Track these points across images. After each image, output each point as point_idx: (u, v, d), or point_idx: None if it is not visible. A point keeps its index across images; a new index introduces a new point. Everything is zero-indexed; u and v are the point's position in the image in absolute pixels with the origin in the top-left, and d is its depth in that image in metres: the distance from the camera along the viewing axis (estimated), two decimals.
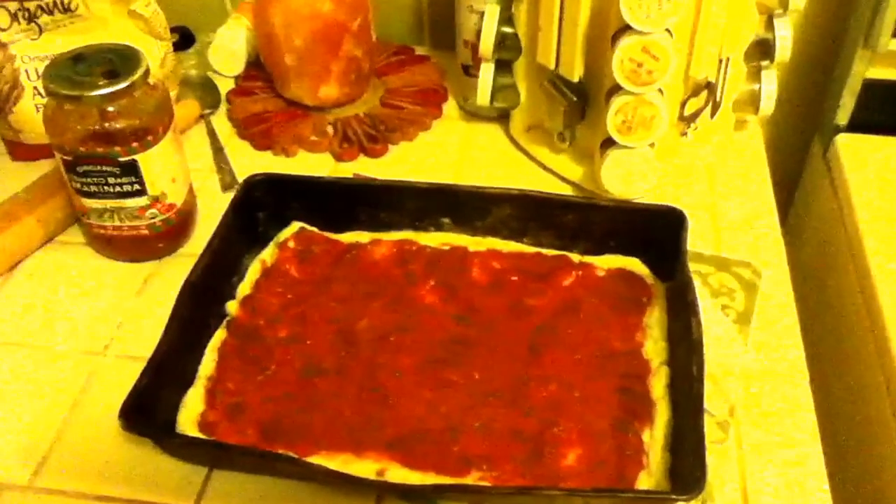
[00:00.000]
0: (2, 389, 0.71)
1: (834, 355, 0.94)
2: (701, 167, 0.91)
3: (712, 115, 0.88)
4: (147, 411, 0.62)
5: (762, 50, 0.87)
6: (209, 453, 0.64)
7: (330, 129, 0.96)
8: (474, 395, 0.67)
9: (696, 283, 0.70)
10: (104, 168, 0.75)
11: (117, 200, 0.77)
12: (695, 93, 0.84)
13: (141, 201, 0.77)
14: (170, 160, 0.78)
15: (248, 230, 0.79)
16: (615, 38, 0.76)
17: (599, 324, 0.72)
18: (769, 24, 0.86)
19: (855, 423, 0.88)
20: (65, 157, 0.75)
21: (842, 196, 0.96)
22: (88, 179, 0.76)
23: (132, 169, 0.75)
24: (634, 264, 0.77)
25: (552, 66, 0.84)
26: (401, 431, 0.64)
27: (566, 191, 0.88)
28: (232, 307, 0.73)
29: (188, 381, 0.68)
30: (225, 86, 1.04)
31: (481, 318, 0.73)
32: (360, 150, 0.94)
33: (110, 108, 0.73)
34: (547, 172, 0.91)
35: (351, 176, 0.90)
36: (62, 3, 0.87)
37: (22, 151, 0.93)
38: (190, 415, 0.65)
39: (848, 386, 0.90)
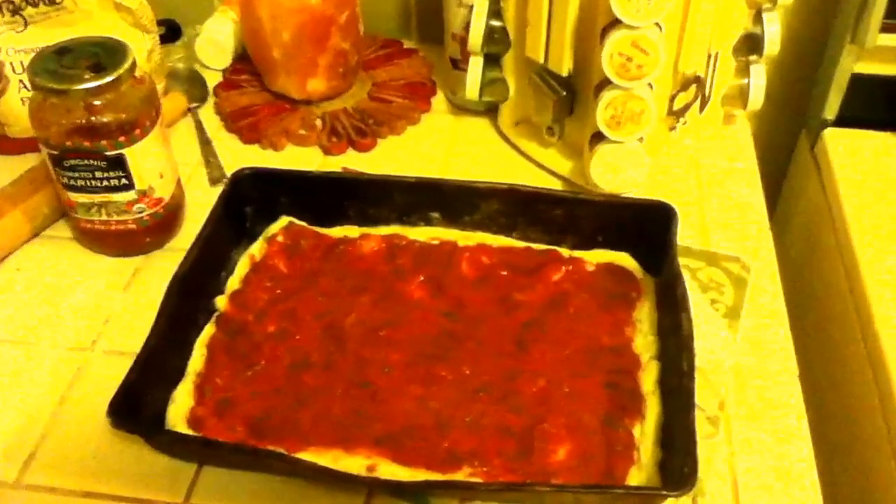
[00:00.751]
0: None
1: (822, 350, 0.94)
2: (689, 162, 0.91)
3: (701, 109, 0.88)
4: (136, 407, 0.62)
5: (751, 44, 0.87)
6: (198, 450, 0.64)
7: (318, 123, 0.95)
8: (463, 390, 0.67)
9: (686, 277, 0.70)
10: (91, 162, 0.74)
11: (104, 195, 0.76)
12: (684, 87, 0.84)
13: (128, 195, 0.77)
14: (157, 154, 0.77)
15: (236, 224, 0.78)
16: (604, 33, 0.76)
17: (589, 319, 0.72)
18: (758, 19, 0.86)
19: (843, 417, 0.88)
20: (51, 151, 0.74)
21: (829, 190, 0.96)
22: (75, 174, 0.75)
23: (119, 163, 0.75)
24: (624, 259, 0.77)
25: (541, 60, 0.84)
26: (390, 427, 0.64)
27: (555, 185, 0.88)
28: (221, 302, 0.73)
29: (177, 377, 0.67)
30: (212, 79, 1.03)
31: (470, 313, 0.73)
32: (348, 143, 0.94)
33: (96, 102, 0.72)
34: (536, 167, 0.91)
35: (339, 170, 0.90)
36: None
37: (7, 145, 0.92)
38: (179, 411, 0.65)
39: (837, 380, 0.90)
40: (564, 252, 0.77)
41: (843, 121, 1.02)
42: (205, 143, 0.94)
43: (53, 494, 0.63)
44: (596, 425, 0.64)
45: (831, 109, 1.01)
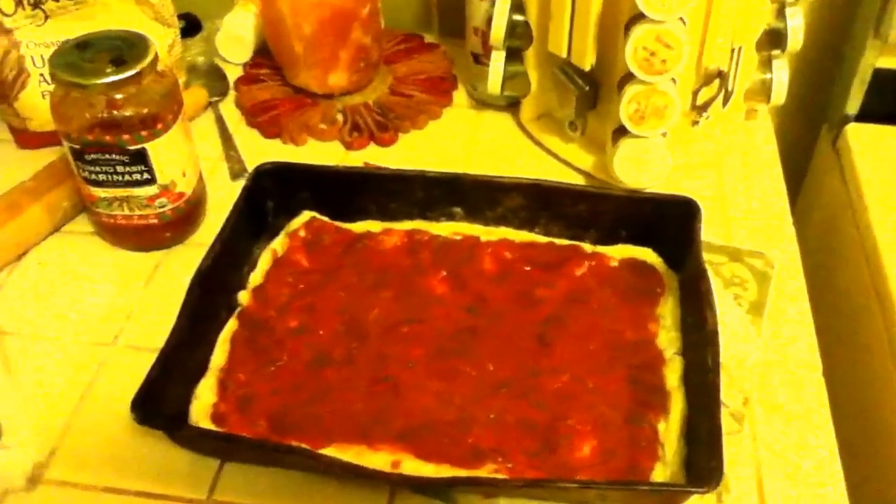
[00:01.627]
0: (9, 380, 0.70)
1: (846, 346, 0.93)
2: (712, 156, 0.91)
3: (724, 104, 0.88)
4: (158, 403, 0.62)
5: (774, 39, 0.87)
6: (221, 445, 0.64)
7: (339, 118, 0.95)
8: (485, 386, 0.67)
9: (709, 273, 0.70)
10: (112, 156, 0.74)
11: (126, 189, 0.76)
12: (707, 82, 0.84)
13: (150, 190, 0.77)
14: (179, 148, 0.77)
15: (257, 219, 0.78)
16: (628, 27, 0.76)
17: (611, 314, 0.72)
18: (781, 14, 0.86)
19: (867, 413, 0.87)
20: (72, 146, 0.74)
21: (851, 186, 0.96)
22: (96, 168, 0.75)
23: (141, 157, 0.74)
24: (647, 254, 0.76)
25: (564, 55, 0.84)
26: (411, 423, 0.64)
27: (577, 180, 0.88)
28: (243, 297, 0.73)
29: (199, 372, 0.67)
30: (232, 73, 1.03)
31: (492, 308, 0.73)
32: (369, 138, 0.93)
33: (118, 96, 0.72)
34: (557, 161, 0.91)
35: (361, 165, 0.89)
36: None
37: (28, 139, 0.92)
38: (202, 406, 0.65)
39: (860, 376, 0.90)
40: (587, 247, 0.77)
41: (865, 116, 1.01)
42: (225, 137, 0.94)
43: (75, 489, 0.63)
44: (619, 421, 0.64)
45: (853, 104, 1.01)
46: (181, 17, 0.97)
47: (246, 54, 1.04)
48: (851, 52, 1.01)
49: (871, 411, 0.87)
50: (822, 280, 0.99)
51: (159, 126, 0.74)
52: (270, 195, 0.79)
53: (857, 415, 0.89)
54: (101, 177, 0.75)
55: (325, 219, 0.79)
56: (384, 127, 0.94)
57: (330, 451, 0.61)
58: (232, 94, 1.00)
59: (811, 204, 1.11)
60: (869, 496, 0.84)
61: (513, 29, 0.86)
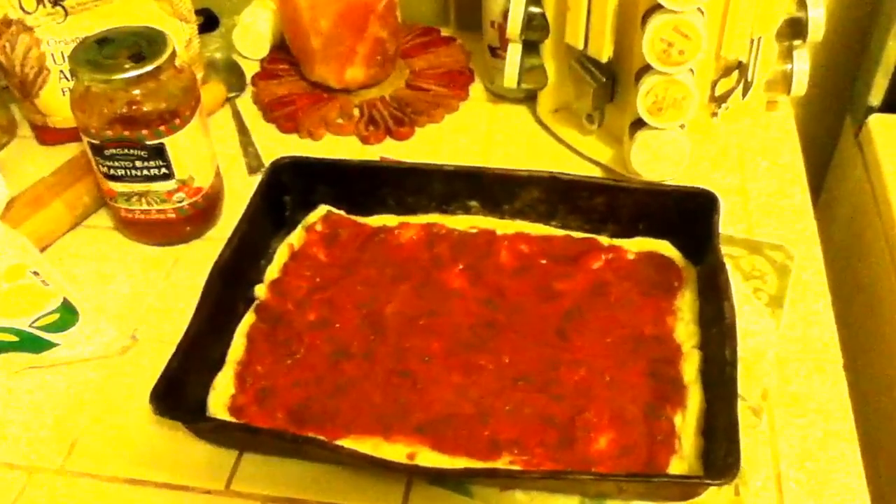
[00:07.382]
0: (32, 373, 0.71)
1: (867, 339, 0.92)
2: (732, 148, 0.90)
3: (743, 95, 0.87)
4: (177, 395, 0.62)
5: (794, 29, 0.86)
6: (239, 437, 0.64)
7: (356, 112, 0.95)
8: (504, 379, 0.67)
9: (728, 266, 0.69)
10: (131, 152, 0.75)
11: (145, 184, 0.77)
12: (726, 73, 0.83)
13: (168, 185, 0.77)
14: (197, 143, 0.77)
15: (275, 213, 0.79)
16: (645, 18, 0.75)
17: (629, 307, 0.72)
18: (801, 3, 0.85)
19: (889, 408, 0.87)
20: (92, 141, 0.75)
21: (874, 177, 0.95)
22: (115, 163, 0.75)
23: (159, 152, 0.75)
24: (665, 247, 0.76)
25: (580, 47, 0.83)
26: (430, 416, 0.64)
27: (595, 173, 0.87)
28: (260, 291, 0.73)
29: (217, 365, 0.68)
30: (250, 69, 1.03)
31: (510, 302, 0.73)
32: (386, 132, 0.93)
33: (137, 92, 0.73)
34: (575, 154, 0.90)
35: (377, 159, 0.89)
36: None
37: (49, 135, 0.93)
38: (220, 398, 0.65)
39: (882, 370, 0.89)
40: (604, 240, 0.77)
41: (888, 107, 1.00)
42: (243, 132, 0.94)
43: (96, 481, 0.64)
44: (637, 415, 0.64)
45: (877, 95, 1.00)
46: (199, 12, 0.97)
47: (263, 50, 1.05)
48: (875, 42, 1.00)
49: (893, 406, 0.86)
50: (844, 273, 0.99)
51: (177, 121, 0.75)
52: (288, 189, 0.79)
53: (879, 409, 0.88)
54: (120, 172, 0.76)
55: (341, 213, 0.79)
56: (401, 121, 0.94)
57: (347, 443, 0.62)
58: (249, 89, 1.01)
59: (834, 196, 1.10)
60: (893, 491, 0.83)
61: (529, 21, 0.86)
